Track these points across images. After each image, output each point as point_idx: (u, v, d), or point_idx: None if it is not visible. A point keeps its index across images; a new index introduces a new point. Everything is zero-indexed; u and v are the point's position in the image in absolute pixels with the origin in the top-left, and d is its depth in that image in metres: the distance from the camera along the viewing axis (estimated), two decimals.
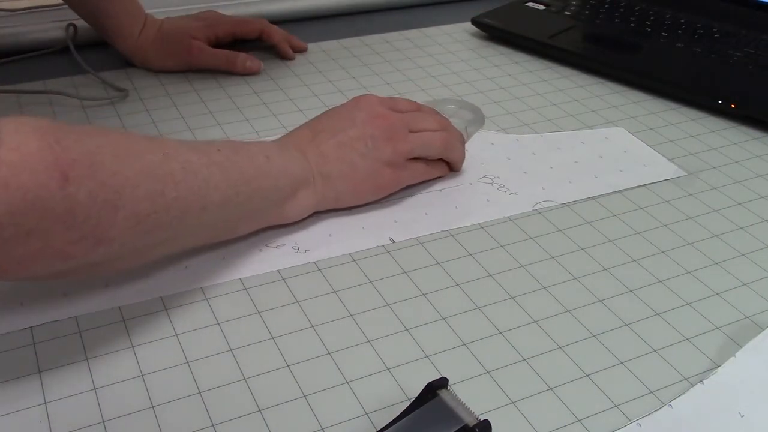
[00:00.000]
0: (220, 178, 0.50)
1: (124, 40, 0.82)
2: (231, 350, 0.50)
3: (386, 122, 0.62)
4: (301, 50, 0.90)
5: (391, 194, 0.64)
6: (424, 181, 0.66)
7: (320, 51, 0.91)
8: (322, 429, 0.45)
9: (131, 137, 0.48)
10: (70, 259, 0.42)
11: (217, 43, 0.85)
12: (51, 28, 0.87)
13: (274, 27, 0.89)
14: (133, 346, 0.50)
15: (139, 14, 0.83)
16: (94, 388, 0.47)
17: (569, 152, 0.73)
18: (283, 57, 0.88)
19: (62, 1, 0.83)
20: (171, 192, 0.46)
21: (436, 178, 0.67)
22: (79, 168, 0.41)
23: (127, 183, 0.43)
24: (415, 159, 0.64)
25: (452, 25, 0.99)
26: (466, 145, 0.72)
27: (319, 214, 0.62)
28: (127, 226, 0.44)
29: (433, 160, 0.66)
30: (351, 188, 0.61)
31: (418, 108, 0.67)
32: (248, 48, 0.88)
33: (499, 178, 0.68)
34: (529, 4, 1.00)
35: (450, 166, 0.68)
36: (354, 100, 0.64)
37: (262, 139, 0.72)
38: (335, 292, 0.55)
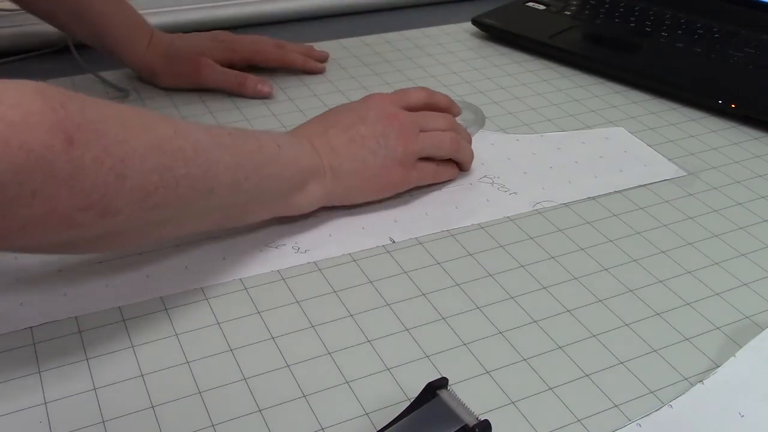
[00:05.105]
0: (230, 161, 0.50)
1: (131, 53, 0.79)
2: (231, 350, 0.50)
3: (397, 121, 0.62)
4: (324, 60, 0.88)
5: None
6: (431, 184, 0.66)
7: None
8: (322, 429, 0.45)
9: (141, 111, 0.47)
10: (75, 227, 0.42)
11: (232, 68, 0.81)
12: (51, 28, 0.87)
13: (294, 54, 0.85)
14: (133, 346, 0.50)
15: (143, 27, 0.80)
16: (94, 388, 0.47)
17: (569, 152, 0.73)
18: (311, 73, 0.85)
19: (59, 29, 0.81)
20: (180, 168, 0.46)
21: None
22: (84, 132, 0.40)
23: (135, 154, 0.43)
24: (425, 159, 0.64)
25: (452, 25, 0.99)
26: None
27: (319, 215, 0.62)
28: (134, 198, 0.43)
29: (443, 160, 0.66)
30: (360, 184, 0.61)
31: (429, 96, 0.67)
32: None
33: (499, 178, 0.68)
34: (529, 4, 1.00)
35: (459, 167, 0.68)
36: (365, 99, 0.64)
37: None
38: (335, 292, 0.55)
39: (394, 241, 0.60)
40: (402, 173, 0.62)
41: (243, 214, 0.55)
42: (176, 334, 0.51)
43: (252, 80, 0.79)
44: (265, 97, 0.80)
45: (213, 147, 0.49)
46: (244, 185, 0.52)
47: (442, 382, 0.43)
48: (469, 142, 0.69)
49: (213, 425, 0.45)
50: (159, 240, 0.52)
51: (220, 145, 0.50)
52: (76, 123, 0.40)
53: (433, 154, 0.64)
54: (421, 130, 0.63)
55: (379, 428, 0.43)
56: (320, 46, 0.90)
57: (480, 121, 0.77)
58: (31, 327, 0.51)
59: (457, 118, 0.69)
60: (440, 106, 0.68)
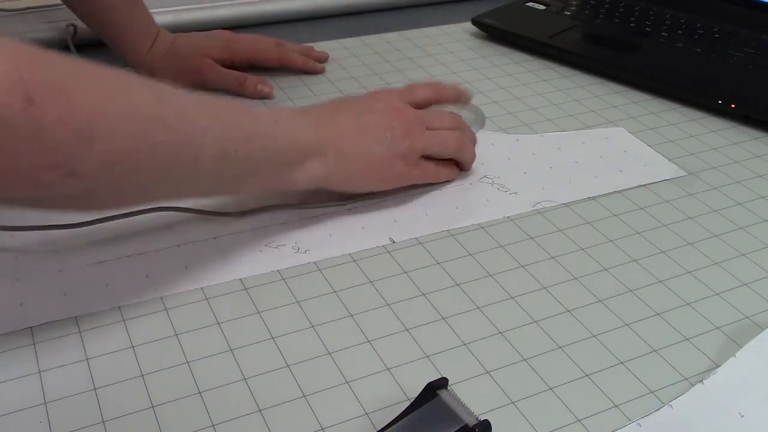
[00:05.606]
0: (219, 132, 0.50)
1: (134, 52, 0.80)
2: (231, 350, 0.50)
3: (404, 117, 0.62)
4: (324, 60, 0.88)
5: (392, 193, 0.64)
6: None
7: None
8: (322, 429, 0.45)
9: (125, 76, 0.46)
10: (40, 186, 0.41)
11: (232, 67, 0.81)
12: (51, 28, 0.87)
13: (293, 54, 0.85)
14: (133, 346, 0.50)
15: (150, 27, 0.80)
16: (94, 388, 0.47)
17: (569, 152, 0.73)
18: (311, 73, 0.85)
19: (67, 7, 0.82)
20: (159, 135, 0.45)
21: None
22: (46, 93, 0.39)
23: (105, 117, 0.42)
24: (427, 158, 0.64)
25: (452, 25, 0.99)
26: None
27: (320, 215, 0.62)
28: (104, 163, 0.43)
29: (444, 160, 0.66)
30: (362, 172, 0.61)
31: (436, 93, 0.68)
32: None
33: (499, 178, 0.68)
34: (529, 4, 1.00)
35: (460, 166, 0.68)
36: (373, 93, 0.65)
37: None
38: (335, 292, 0.55)
39: (394, 241, 0.60)
40: (404, 168, 0.62)
41: (235, 184, 0.55)
42: (176, 334, 0.51)
43: (252, 80, 0.79)
44: (265, 97, 0.80)
45: (201, 117, 0.49)
46: (232, 157, 0.51)
47: (442, 382, 0.43)
48: (474, 142, 0.69)
49: (213, 425, 0.45)
50: (144, 204, 0.51)
51: (210, 116, 0.50)
52: (38, 83, 0.39)
53: (437, 153, 0.65)
54: (427, 128, 0.63)
55: (379, 428, 0.43)
56: (320, 46, 0.90)
57: (480, 121, 0.77)
58: (31, 327, 0.51)
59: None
60: (449, 100, 0.68)
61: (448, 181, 0.67)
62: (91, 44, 0.86)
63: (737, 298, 0.56)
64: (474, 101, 0.80)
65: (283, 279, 0.56)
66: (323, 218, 0.62)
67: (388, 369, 0.49)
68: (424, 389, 0.43)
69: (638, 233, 0.62)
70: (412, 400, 0.43)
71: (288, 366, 0.49)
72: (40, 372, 0.48)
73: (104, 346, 0.50)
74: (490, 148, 0.72)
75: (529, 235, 0.61)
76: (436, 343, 0.51)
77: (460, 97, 0.70)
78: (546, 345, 0.51)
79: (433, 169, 0.65)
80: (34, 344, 0.50)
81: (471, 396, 0.45)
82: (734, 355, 0.50)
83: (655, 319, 0.54)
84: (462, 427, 0.41)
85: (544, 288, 0.56)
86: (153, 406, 0.46)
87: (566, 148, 0.73)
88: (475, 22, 0.96)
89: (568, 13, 0.98)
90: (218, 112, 0.51)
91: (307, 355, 0.50)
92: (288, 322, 0.52)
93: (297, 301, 0.54)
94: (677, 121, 0.79)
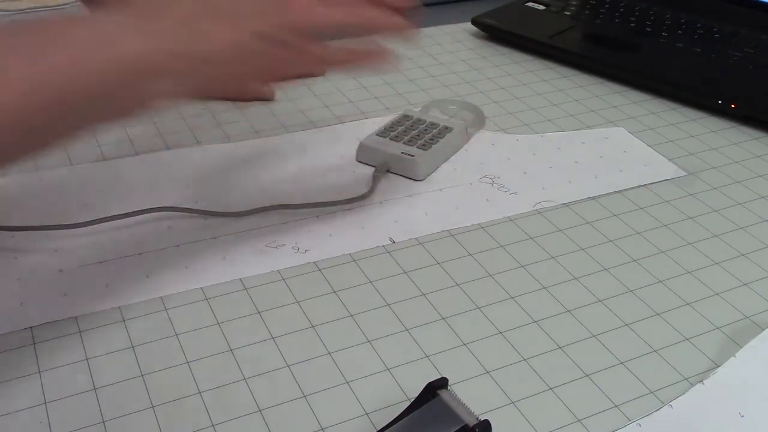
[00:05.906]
0: (8, 87, 0.38)
1: None
2: (231, 350, 0.50)
3: None
4: None
5: (393, 194, 0.64)
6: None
7: None
8: (322, 429, 0.45)
9: None
10: None
11: None
12: None
13: None
14: (133, 346, 0.50)
15: None
16: (94, 388, 0.47)
17: (569, 152, 0.73)
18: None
19: (65, 1, 0.82)
20: None
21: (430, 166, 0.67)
22: None
23: None
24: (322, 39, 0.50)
25: (452, 25, 0.99)
26: (465, 145, 0.72)
27: (320, 215, 0.62)
28: None
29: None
30: (222, 72, 0.47)
31: None
32: None
33: (499, 178, 0.68)
34: (529, 4, 1.00)
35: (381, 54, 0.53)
36: None
37: (263, 140, 0.72)
38: (335, 292, 0.55)
39: (394, 241, 0.60)
40: (276, 55, 0.48)
41: (46, 140, 0.43)
42: (176, 335, 0.51)
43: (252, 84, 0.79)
44: (267, 99, 0.79)
45: None
46: (32, 111, 0.39)
47: (442, 382, 0.43)
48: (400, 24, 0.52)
49: (213, 425, 0.45)
50: None
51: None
52: None
53: (328, 29, 0.50)
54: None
55: (379, 428, 0.43)
56: None
57: (480, 121, 0.77)
58: (31, 327, 0.51)
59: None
60: None
61: (448, 181, 0.67)
62: None
63: (737, 298, 0.56)
64: (474, 101, 0.80)
65: (283, 279, 0.56)
66: (323, 218, 0.62)
67: (388, 369, 0.49)
68: (424, 389, 0.43)
69: (638, 233, 0.62)
70: (412, 400, 0.43)
71: (288, 366, 0.49)
72: (40, 372, 0.48)
73: (104, 346, 0.50)
74: (490, 148, 0.72)
75: (529, 235, 0.61)
76: (436, 343, 0.51)
77: None
78: (546, 345, 0.51)
79: (323, 52, 0.50)
80: (34, 344, 0.50)
81: (471, 396, 0.45)
82: (734, 355, 0.50)
83: (655, 319, 0.54)
84: (462, 427, 0.41)
85: (544, 288, 0.56)
86: (153, 406, 0.46)
87: (566, 148, 0.73)
88: (475, 22, 0.96)
89: (568, 13, 0.98)
90: (16, 57, 0.39)
91: (307, 355, 0.50)
92: (288, 322, 0.52)
93: (297, 301, 0.54)
94: (677, 121, 0.79)
